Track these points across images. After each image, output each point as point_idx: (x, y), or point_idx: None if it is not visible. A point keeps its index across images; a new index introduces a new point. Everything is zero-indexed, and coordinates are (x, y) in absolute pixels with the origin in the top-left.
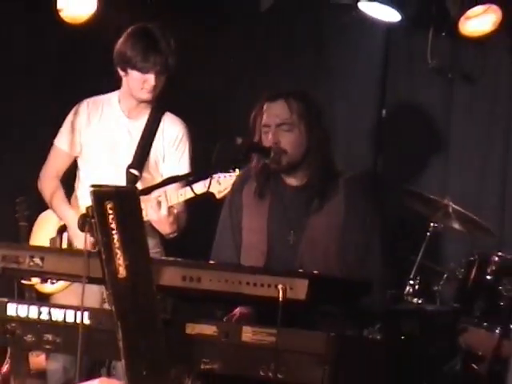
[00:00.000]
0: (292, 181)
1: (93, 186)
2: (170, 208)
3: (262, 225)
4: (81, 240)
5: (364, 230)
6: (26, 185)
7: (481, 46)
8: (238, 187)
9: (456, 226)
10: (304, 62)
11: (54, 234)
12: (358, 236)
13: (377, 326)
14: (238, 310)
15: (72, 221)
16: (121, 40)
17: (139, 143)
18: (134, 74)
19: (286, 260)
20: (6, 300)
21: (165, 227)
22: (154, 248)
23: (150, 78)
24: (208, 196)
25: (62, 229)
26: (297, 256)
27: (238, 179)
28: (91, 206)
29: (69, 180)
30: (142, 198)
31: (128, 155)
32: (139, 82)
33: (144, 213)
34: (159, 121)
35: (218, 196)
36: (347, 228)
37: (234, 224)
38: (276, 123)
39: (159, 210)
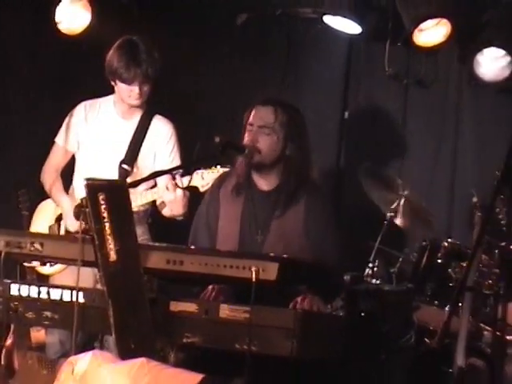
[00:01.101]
0: (263, 185)
1: (86, 179)
2: (185, 190)
3: (235, 222)
4: (73, 224)
5: (321, 231)
6: (27, 178)
7: (432, 55)
8: (217, 184)
9: (406, 218)
10: (276, 68)
11: (52, 221)
12: (316, 236)
13: (340, 304)
14: (211, 286)
15: (67, 207)
16: (110, 52)
17: (131, 141)
18: (120, 85)
19: None
20: (9, 281)
21: (178, 209)
22: (142, 235)
23: (135, 88)
24: (192, 189)
25: (60, 217)
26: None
27: (218, 178)
28: (85, 198)
29: (69, 174)
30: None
31: (121, 152)
32: (126, 91)
33: (159, 193)
34: (150, 121)
35: (202, 190)
36: (308, 230)
37: (210, 217)
38: (259, 124)
39: (175, 191)
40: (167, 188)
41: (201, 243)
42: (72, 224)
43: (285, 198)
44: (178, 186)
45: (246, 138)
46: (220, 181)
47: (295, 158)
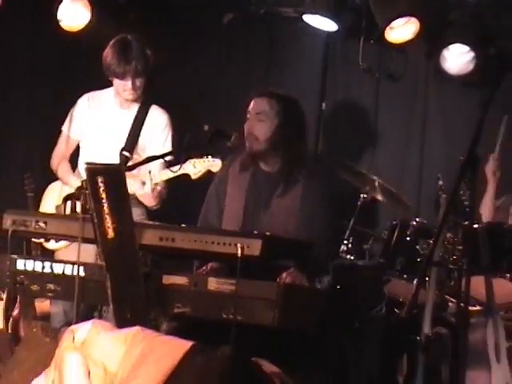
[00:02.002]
0: (266, 167)
1: (87, 163)
2: (154, 185)
3: (240, 200)
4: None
5: (315, 209)
6: (31, 163)
7: (402, 51)
8: (227, 165)
9: (380, 197)
10: (259, 63)
11: (59, 202)
12: (310, 214)
13: (328, 279)
14: (209, 264)
15: (76, 185)
16: (106, 50)
17: (130, 130)
18: (115, 80)
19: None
20: (15, 256)
21: (149, 201)
22: (140, 215)
23: (128, 83)
24: (184, 177)
25: (66, 198)
26: (263, 230)
27: (229, 159)
28: (85, 180)
29: (75, 160)
30: (131, 174)
31: (121, 140)
32: (121, 86)
33: (132, 188)
34: (147, 112)
35: (193, 177)
36: (303, 210)
37: (220, 195)
38: (256, 112)
39: (144, 188)
40: (138, 185)
41: (211, 220)
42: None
43: (285, 180)
44: (145, 184)
45: (245, 125)
46: (230, 161)
47: (293, 143)
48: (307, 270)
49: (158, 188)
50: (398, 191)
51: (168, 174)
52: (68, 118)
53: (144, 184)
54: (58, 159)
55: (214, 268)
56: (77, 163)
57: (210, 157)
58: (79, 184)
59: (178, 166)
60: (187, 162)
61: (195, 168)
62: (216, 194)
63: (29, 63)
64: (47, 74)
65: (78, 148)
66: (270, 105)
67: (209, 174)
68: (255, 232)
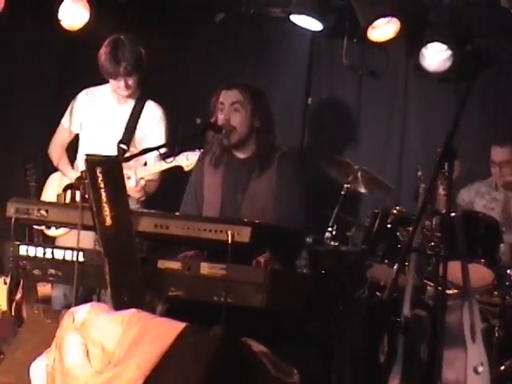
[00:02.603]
0: (240, 154)
1: (86, 155)
2: (139, 180)
3: (217, 187)
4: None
5: (290, 192)
6: (33, 154)
7: (384, 49)
8: (200, 159)
9: (362, 188)
10: (249, 60)
11: (60, 191)
12: (286, 197)
13: (303, 263)
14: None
15: (73, 177)
16: (100, 50)
17: (127, 124)
18: (109, 79)
19: (233, 214)
20: (18, 243)
21: (133, 194)
22: (136, 204)
23: (120, 81)
24: (177, 169)
25: (67, 187)
26: (241, 211)
27: (201, 153)
28: (85, 171)
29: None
30: (127, 165)
31: (118, 133)
32: (114, 84)
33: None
34: (143, 106)
35: (186, 169)
36: (278, 191)
37: (197, 188)
38: (229, 102)
39: (129, 182)
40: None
41: (189, 208)
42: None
43: (260, 163)
44: (129, 179)
45: (220, 118)
46: (203, 154)
47: (263, 128)
48: (282, 254)
49: (142, 182)
50: (379, 177)
51: (162, 166)
52: (68, 111)
53: (129, 178)
54: (57, 149)
55: (195, 254)
56: (75, 154)
57: (202, 150)
58: (78, 175)
59: (172, 158)
60: (181, 155)
61: (188, 160)
62: (193, 184)
63: (30, 61)
64: (49, 71)
65: (76, 140)
66: (242, 95)
67: None
68: (245, 220)
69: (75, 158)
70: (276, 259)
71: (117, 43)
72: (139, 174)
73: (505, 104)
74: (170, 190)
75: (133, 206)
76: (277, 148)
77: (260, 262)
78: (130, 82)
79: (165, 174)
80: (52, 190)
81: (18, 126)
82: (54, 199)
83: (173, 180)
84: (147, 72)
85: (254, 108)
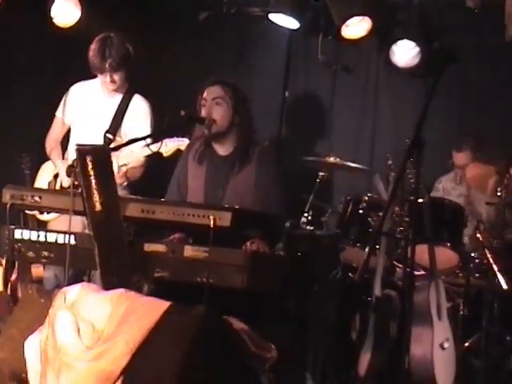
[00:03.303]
0: (221, 151)
1: (77, 144)
2: (120, 166)
3: (200, 182)
4: (67, 181)
5: (269, 183)
6: (29, 144)
7: (356, 46)
8: (185, 154)
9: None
10: (230, 57)
11: (51, 178)
12: (265, 189)
13: (280, 245)
14: (176, 234)
15: (62, 169)
16: (90, 46)
17: (114, 115)
18: (97, 73)
19: None
20: (13, 227)
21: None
22: (122, 190)
23: (106, 76)
24: (157, 155)
25: (57, 175)
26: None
27: (186, 148)
28: (76, 159)
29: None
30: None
31: (106, 124)
32: (102, 79)
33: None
34: (130, 99)
35: (165, 155)
36: (258, 182)
37: (180, 183)
38: (212, 97)
39: None
40: None
41: (173, 198)
42: (66, 181)
43: (240, 159)
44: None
45: (203, 112)
46: (188, 149)
47: (243, 124)
48: (268, 239)
49: (124, 169)
50: (353, 165)
51: (141, 152)
52: (61, 103)
53: None
54: (52, 142)
55: (180, 237)
56: (66, 145)
57: (179, 137)
58: (65, 169)
59: (156, 145)
60: (160, 142)
61: (166, 146)
62: (177, 179)
63: (28, 55)
64: (44, 64)
65: (68, 132)
66: (224, 90)
67: (178, 153)
68: (226, 205)
69: (66, 149)
70: (265, 244)
71: (105, 40)
72: (121, 161)
73: (469, 95)
74: (155, 176)
75: (120, 192)
76: (256, 143)
77: (250, 246)
78: (116, 77)
79: (147, 161)
80: (44, 178)
81: (15, 119)
82: (45, 186)
83: (156, 167)
84: (135, 68)
85: (235, 104)
